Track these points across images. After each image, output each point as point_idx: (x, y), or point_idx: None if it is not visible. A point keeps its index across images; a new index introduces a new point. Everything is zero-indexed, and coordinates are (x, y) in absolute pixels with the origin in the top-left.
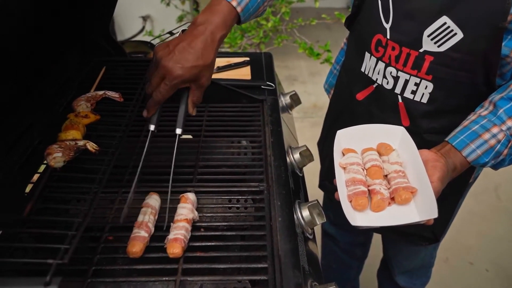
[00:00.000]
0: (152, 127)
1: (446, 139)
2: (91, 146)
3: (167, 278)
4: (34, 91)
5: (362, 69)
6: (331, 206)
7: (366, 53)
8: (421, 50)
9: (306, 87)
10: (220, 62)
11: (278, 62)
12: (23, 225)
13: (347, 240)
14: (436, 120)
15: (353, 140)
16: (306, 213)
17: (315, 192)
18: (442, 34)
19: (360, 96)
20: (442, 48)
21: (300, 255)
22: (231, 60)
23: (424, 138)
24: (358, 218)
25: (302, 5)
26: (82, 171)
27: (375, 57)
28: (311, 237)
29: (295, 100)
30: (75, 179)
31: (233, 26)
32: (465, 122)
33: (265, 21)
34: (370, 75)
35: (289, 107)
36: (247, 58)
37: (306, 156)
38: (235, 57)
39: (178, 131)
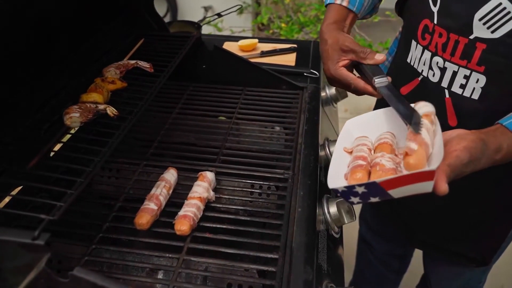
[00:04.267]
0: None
1: (498, 121)
2: (110, 110)
3: (170, 255)
4: (72, 56)
5: (408, 60)
6: (369, 209)
7: (413, 41)
8: (471, 37)
9: None
10: (266, 47)
11: None
12: (27, 179)
13: (384, 249)
14: (490, 121)
15: (368, 128)
16: (333, 209)
17: None
18: (496, 17)
19: (404, 90)
20: (497, 34)
21: (320, 252)
22: (277, 46)
23: None
24: (341, 182)
25: None
26: (98, 134)
27: (421, 46)
28: (337, 236)
29: (341, 92)
30: (89, 140)
31: (344, 16)
32: None
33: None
34: (415, 66)
35: (333, 100)
36: (294, 45)
37: None
38: (283, 44)
39: (379, 81)
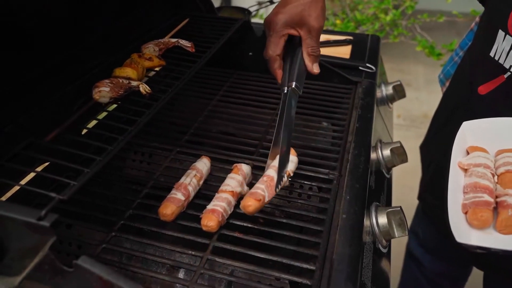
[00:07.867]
0: (285, 89)
1: None
2: (143, 88)
3: (193, 253)
4: (113, 32)
5: (491, 54)
6: (423, 222)
7: (500, 31)
8: None
9: (419, 94)
10: None
11: (393, 65)
12: (51, 155)
13: (436, 269)
14: None
15: (486, 137)
16: (383, 219)
17: (406, 205)
18: None
19: (483, 89)
20: None
21: (364, 267)
22: (331, 38)
23: None
24: (468, 233)
25: (431, 7)
26: (135, 114)
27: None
28: (384, 251)
29: (399, 91)
30: (125, 120)
31: None
32: None
33: (383, 13)
34: (501, 61)
35: (389, 99)
36: (350, 37)
37: (399, 154)
38: (337, 35)
39: (286, 89)
